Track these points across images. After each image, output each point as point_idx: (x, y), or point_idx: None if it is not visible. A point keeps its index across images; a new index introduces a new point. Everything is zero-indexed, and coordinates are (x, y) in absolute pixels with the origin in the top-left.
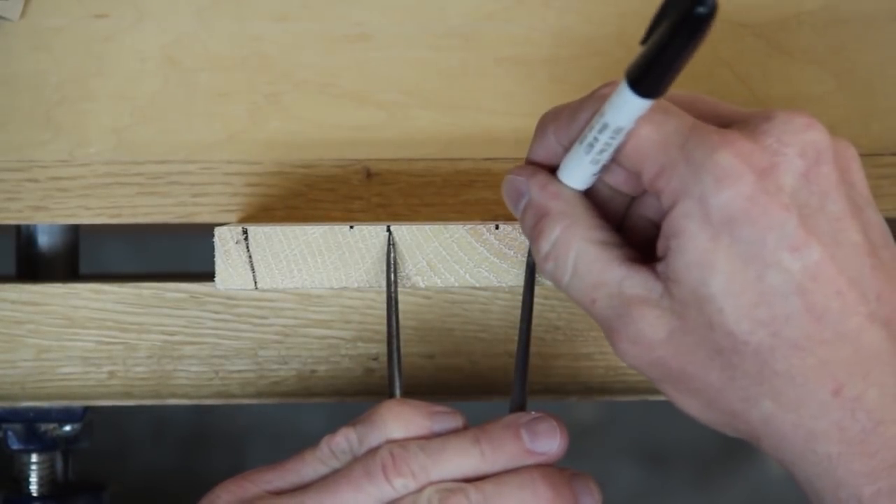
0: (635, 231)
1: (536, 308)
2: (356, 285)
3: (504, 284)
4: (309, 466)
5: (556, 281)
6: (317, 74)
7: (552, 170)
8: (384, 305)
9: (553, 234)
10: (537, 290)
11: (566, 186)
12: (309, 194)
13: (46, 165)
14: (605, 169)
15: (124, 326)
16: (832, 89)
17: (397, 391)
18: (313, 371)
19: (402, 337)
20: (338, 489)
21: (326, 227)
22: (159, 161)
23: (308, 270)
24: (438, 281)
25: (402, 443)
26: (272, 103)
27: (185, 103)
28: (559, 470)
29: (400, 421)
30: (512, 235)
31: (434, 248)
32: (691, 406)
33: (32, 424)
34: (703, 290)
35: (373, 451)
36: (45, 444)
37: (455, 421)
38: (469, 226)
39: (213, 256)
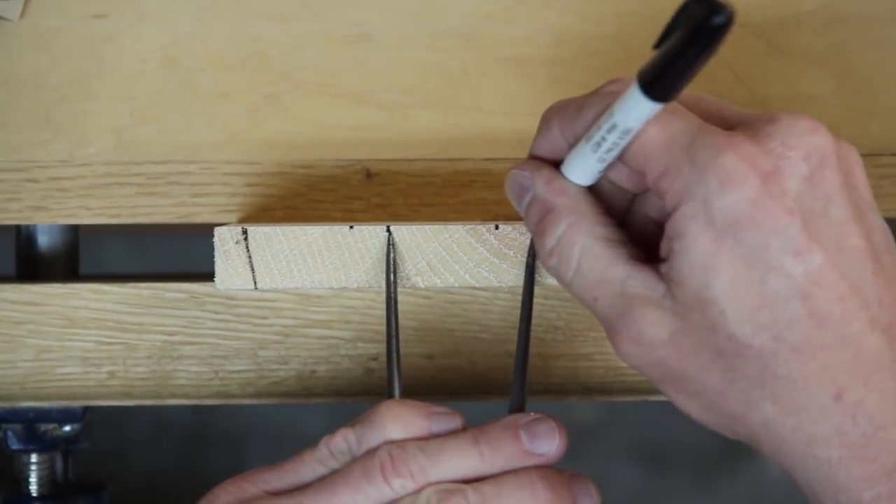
0: (637, 228)
1: (536, 308)
2: (356, 285)
3: (504, 284)
4: (307, 467)
5: (560, 277)
6: (317, 74)
7: (556, 164)
8: (384, 305)
9: (558, 229)
10: (537, 290)
11: (571, 182)
12: (309, 194)
13: (46, 165)
14: (610, 167)
15: (124, 326)
16: (832, 89)
17: (397, 391)
18: (313, 371)
19: (401, 337)
20: (336, 490)
21: (326, 227)
22: (159, 161)
23: (308, 270)
24: (438, 281)
25: (401, 444)
26: (272, 103)
27: (185, 103)
28: (558, 471)
29: (399, 422)
30: (512, 236)
31: (434, 248)
32: (691, 407)
33: (32, 424)
34: (706, 293)
35: (371, 452)
36: (45, 445)
37: (454, 422)
38: (469, 226)
39: (213, 256)
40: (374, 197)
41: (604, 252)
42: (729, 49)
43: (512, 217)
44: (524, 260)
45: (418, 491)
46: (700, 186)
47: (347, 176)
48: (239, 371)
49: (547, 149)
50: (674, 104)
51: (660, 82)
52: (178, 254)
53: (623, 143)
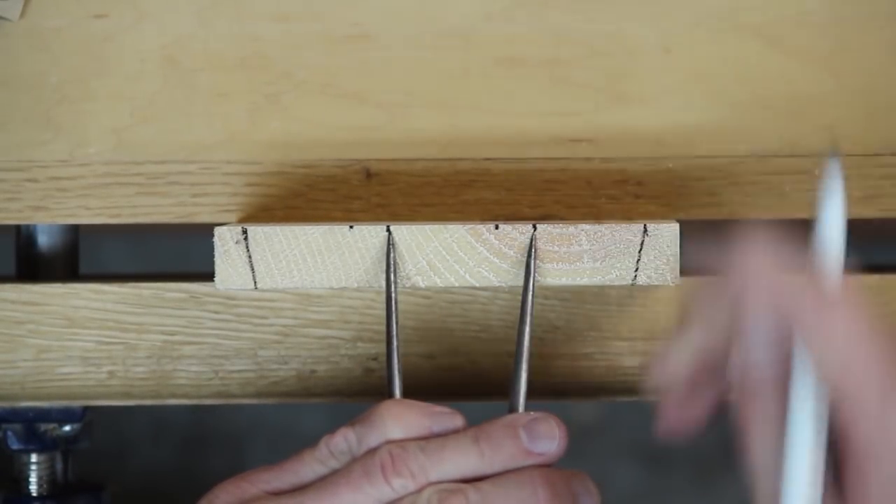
0: None
1: (536, 308)
2: (356, 285)
3: (504, 284)
4: (307, 467)
5: None
6: (317, 74)
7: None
8: (384, 305)
9: None
10: (537, 290)
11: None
12: (309, 194)
13: (46, 165)
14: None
15: (124, 326)
16: (832, 89)
17: (397, 391)
18: (313, 371)
19: (401, 337)
20: (337, 490)
21: (326, 227)
22: (159, 161)
23: (308, 270)
24: (438, 281)
25: (402, 443)
26: (272, 103)
27: (185, 103)
28: (558, 470)
29: (399, 421)
30: (512, 235)
31: (434, 248)
32: None
33: (32, 424)
34: None
35: (372, 452)
36: (44, 444)
37: (454, 421)
38: (469, 226)
39: (213, 256)
40: (374, 197)
41: None
42: (729, 49)
43: (511, 217)
44: (524, 260)
45: (419, 491)
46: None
47: (347, 176)
48: (239, 371)
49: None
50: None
51: None
52: (178, 254)
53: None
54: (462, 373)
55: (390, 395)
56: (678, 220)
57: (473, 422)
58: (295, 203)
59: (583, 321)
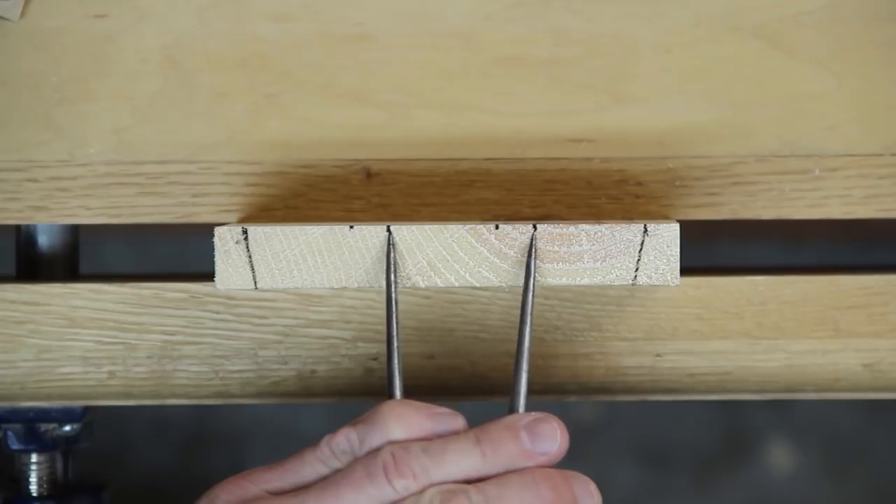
0: None
1: (536, 308)
2: (356, 285)
3: (504, 284)
4: (309, 466)
5: None
6: (317, 74)
7: None
8: (384, 305)
9: None
10: (537, 290)
11: None
12: (309, 194)
13: (46, 165)
14: None
15: (124, 326)
16: (832, 89)
17: (397, 391)
18: (313, 371)
19: (402, 337)
20: (338, 490)
21: (326, 227)
22: (159, 161)
23: (308, 270)
24: (438, 281)
25: (404, 444)
26: (272, 103)
27: (185, 103)
28: (559, 471)
29: (401, 422)
30: (512, 235)
31: (434, 248)
32: None
33: (32, 424)
34: None
35: (374, 452)
36: (45, 444)
37: (456, 422)
38: (469, 226)
39: (213, 256)
40: (375, 197)
41: None
42: (729, 49)
43: (512, 217)
44: (524, 260)
45: (421, 491)
46: None
47: (347, 176)
48: (239, 371)
49: None
50: None
51: None
52: (178, 254)
53: None
54: (462, 373)
55: (391, 395)
56: (678, 220)
57: (474, 422)
58: (295, 203)
59: (583, 321)
